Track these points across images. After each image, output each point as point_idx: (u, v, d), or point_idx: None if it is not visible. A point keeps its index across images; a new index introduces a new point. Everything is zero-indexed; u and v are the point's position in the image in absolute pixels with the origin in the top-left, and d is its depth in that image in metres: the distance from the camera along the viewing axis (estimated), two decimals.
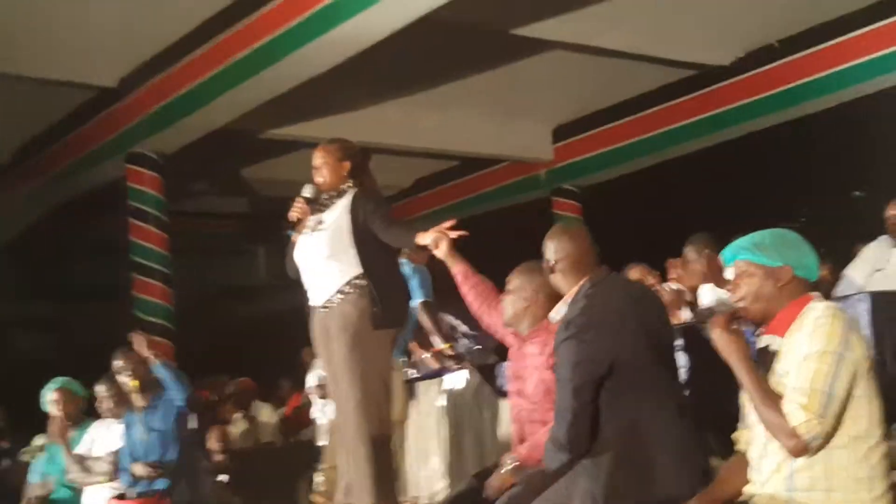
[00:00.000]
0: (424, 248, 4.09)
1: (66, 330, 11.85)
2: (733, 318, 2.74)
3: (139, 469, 5.34)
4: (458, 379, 5.43)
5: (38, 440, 6.56)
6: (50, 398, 5.79)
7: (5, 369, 9.52)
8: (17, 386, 6.79)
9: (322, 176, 4.36)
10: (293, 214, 4.37)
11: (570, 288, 3.36)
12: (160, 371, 5.39)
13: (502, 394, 4.85)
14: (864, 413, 2.57)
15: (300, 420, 8.23)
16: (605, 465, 3.09)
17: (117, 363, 5.48)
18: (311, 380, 7.42)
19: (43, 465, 6.03)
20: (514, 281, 3.79)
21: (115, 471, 5.52)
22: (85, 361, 6.02)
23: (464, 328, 6.15)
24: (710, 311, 2.93)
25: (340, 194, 4.34)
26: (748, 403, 2.70)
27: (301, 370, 8.04)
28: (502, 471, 3.63)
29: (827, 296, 2.82)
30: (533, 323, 3.73)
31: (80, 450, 5.69)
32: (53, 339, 11.84)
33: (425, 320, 5.74)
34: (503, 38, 7.93)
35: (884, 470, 2.59)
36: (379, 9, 6.37)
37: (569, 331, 3.18)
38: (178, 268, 8.90)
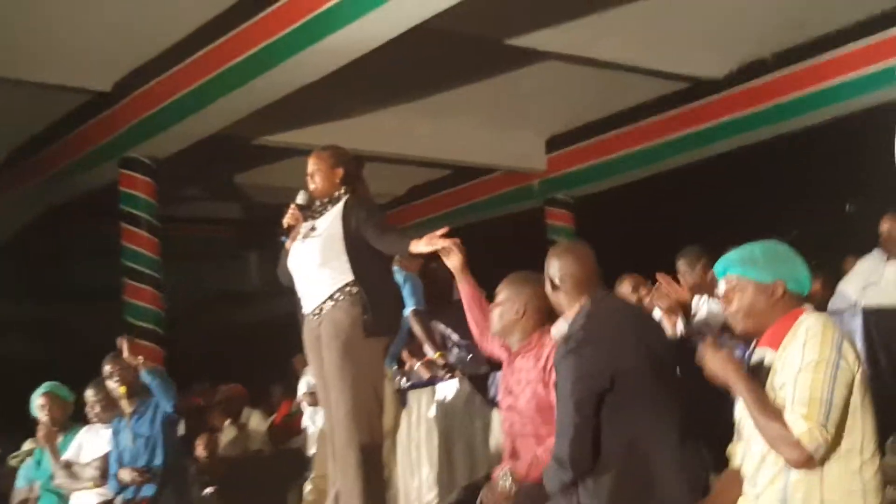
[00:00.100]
0: (417, 255, 4.09)
1: (57, 332, 11.80)
2: (723, 332, 2.75)
3: (126, 475, 5.31)
4: (449, 388, 5.41)
5: (27, 445, 6.52)
6: (38, 403, 5.76)
7: None
8: (8, 389, 6.75)
9: (315, 183, 4.35)
10: (286, 221, 4.37)
11: (571, 307, 3.36)
12: (148, 377, 5.36)
13: (494, 404, 4.84)
14: (859, 426, 2.57)
15: (290, 428, 8.20)
16: (607, 483, 3.08)
17: (106, 368, 5.46)
18: (302, 387, 7.41)
19: (30, 471, 6.00)
20: (504, 292, 3.77)
21: (103, 477, 5.49)
22: (77, 365, 5.99)
23: (455, 337, 6.14)
24: (705, 324, 2.94)
25: (333, 201, 4.34)
26: (744, 417, 2.69)
27: (292, 377, 8.02)
28: (499, 486, 3.60)
29: (820, 309, 2.81)
30: (523, 336, 3.71)
31: (67, 455, 5.66)
32: (45, 341, 11.79)
33: (417, 329, 5.73)
34: (497, 48, 7.94)
35: (877, 484, 2.59)
36: (373, 17, 6.38)
37: (568, 346, 3.17)
38: (170, 273, 8.88)
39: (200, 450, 7.07)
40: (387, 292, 4.35)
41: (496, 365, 4.30)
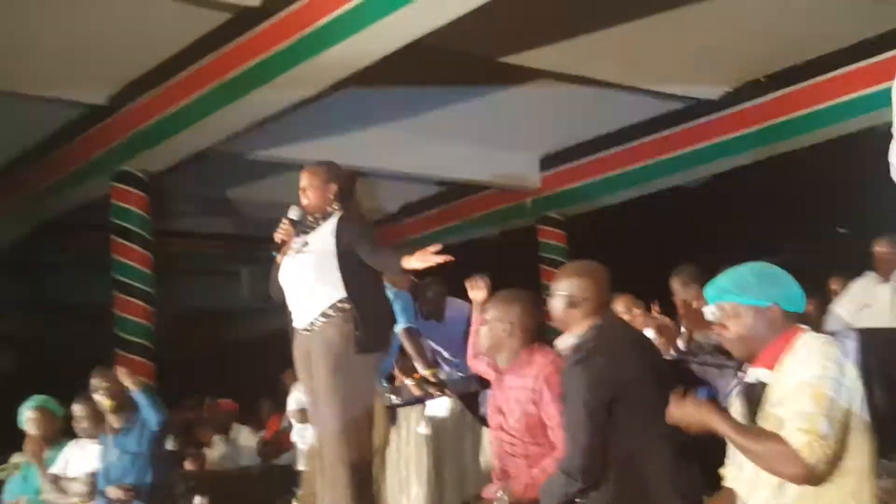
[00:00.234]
0: (408, 272, 4.08)
1: (48, 346, 11.75)
2: (716, 353, 2.73)
3: (113, 492, 5.27)
4: (440, 406, 5.39)
5: (15, 458, 6.47)
6: (27, 416, 5.73)
7: None
8: None
9: (308, 198, 4.34)
10: (278, 236, 4.35)
11: (581, 324, 3.37)
12: (137, 396, 5.33)
13: (484, 422, 4.82)
14: (857, 447, 2.55)
15: (280, 444, 8.16)
16: (606, 494, 3.08)
17: (94, 382, 5.42)
18: (292, 403, 7.38)
19: (17, 485, 5.95)
20: (492, 311, 3.76)
21: (91, 492, 5.44)
22: (67, 378, 5.95)
23: (446, 354, 6.12)
24: (698, 346, 2.93)
25: (326, 217, 4.32)
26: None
27: (282, 393, 7.99)
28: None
29: (815, 331, 2.80)
30: (511, 355, 3.70)
31: (54, 469, 5.62)
32: (34, 355, 11.73)
33: (408, 346, 5.71)
34: (492, 66, 7.95)
35: None
36: (367, 34, 6.38)
37: (579, 355, 3.21)
38: (161, 287, 8.84)
39: (189, 465, 7.04)
40: (379, 309, 4.33)
41: (487, 383, 4.29)
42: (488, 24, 6.75)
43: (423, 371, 5.70)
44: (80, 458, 5.59)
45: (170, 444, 5.85)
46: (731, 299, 2.73)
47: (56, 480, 5.56)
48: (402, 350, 5.77)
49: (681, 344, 4.69)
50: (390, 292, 5.41)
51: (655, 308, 4.96)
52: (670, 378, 3.34)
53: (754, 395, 2.66)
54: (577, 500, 3.13)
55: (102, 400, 5.39)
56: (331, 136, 9.11)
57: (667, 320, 4.82)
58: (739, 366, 2.85)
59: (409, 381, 5.83)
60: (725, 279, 2.77)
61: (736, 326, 2.71)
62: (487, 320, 3.75)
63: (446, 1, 6.09)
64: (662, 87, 8.78)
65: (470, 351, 4.09)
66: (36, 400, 5.78)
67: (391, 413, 5.51)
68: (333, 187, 4.33)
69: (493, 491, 3.66)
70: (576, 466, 3.10)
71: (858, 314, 5.41)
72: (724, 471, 2.85)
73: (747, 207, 9.71)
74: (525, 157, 10.71)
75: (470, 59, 7.79)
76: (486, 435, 4.90)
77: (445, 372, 6.05)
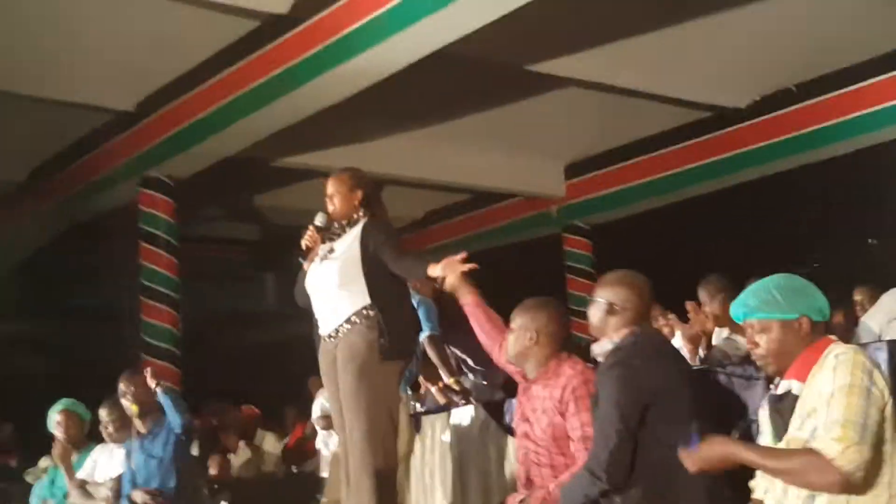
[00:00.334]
0: (432, 279, 4.07)
1: (75, 350, 11.83)
2: (743, 364, 2.71)
3: (138, 496, 5.28)
4: (464, 414, 5.37)
5: (44, 462, 6.51)
6: (54, 420, 5.75)
7: (17, 388, 9.49)
8: (25, 405, 6.76)
9: (334, 205, 4.34)
10: (304, 242, 4.36)
11: (619, 332, 3.35)
12: (162, 399, 5.35)
13: (509, 431, 4.80)
14: (888, 459, 2.52)
15: (304, 450, 8.17)
16: (633, 499, 3.05)
17: (121, 386, 5.44)
18: (316, 410, 7.39)
19: (44, 489, 5.98)
20: (518, 319, 3.74)
21: (116, 497, 5.46)
22: (96, 382, 5.98)
23: (470, 362, 6.10)
24: (723, 354, 2.91)
25: (352, 223, 4.33)
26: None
27: (307, 400, 8.00)
28: None
29: (843, 342, 2.77)
30: (538, 364, 3.68)
31: (81, 474, 5.64)
32: (62, 358, 11.83)
33: (432, 354, 5.70)
34: (518, 74, 7.95)
35: None
36: (394, 42, 6.40)
37: (617, 357, 3.21)
38: (187, 293, 8.89)
39: (214, 470, 7.06)
40: (404, 316, 4.33)
41: (511, 391, 4.27)
42: (514, 33, 6.76)
43: (447, 379, 5.69)
44: (107, 462, 5.61)
45: (195, 450, 5.85)
46: (760, 316, 2.71)
47: (82, 485, 5.58)
48: (426, 357, 5.76)
49: (701, 352, 4.67)
50: (414, 299, 5.42)
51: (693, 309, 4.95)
52: (700, 389, 3.33)
53: (785, 408, 2.64)
54: (600, 501, 3.11)
55: (129, 404, 5.41)
56: (357, 144, 9.14)
57: (698, 329, 4.80)
58: (770, 379, 2.82)
59: (433, 389, 5.82)
60: (751, 296, 2.75)
61: (766, 343, 2.70)
62: (513, 329, 3.73)
63: (473, 9, 6.10)
64: (690, 95, 8.74)
65: (486, 342, 4.02)
66: (63, 403, 5.81)
67: (416, 421, 5.50)
68: (359, 194, 4.34)
69: (516, 500, 3.64)
70: (601, 464, 3.08)
71: (889, 326, 5.35)
72: (752, 483, 2.83)
73: (775, 218, 9.65)
74: (550, 166, 10.69)
75: (496, 67, 7.80)
76: (511, 444, 4.89)
77: (470, 380, 6.04)
